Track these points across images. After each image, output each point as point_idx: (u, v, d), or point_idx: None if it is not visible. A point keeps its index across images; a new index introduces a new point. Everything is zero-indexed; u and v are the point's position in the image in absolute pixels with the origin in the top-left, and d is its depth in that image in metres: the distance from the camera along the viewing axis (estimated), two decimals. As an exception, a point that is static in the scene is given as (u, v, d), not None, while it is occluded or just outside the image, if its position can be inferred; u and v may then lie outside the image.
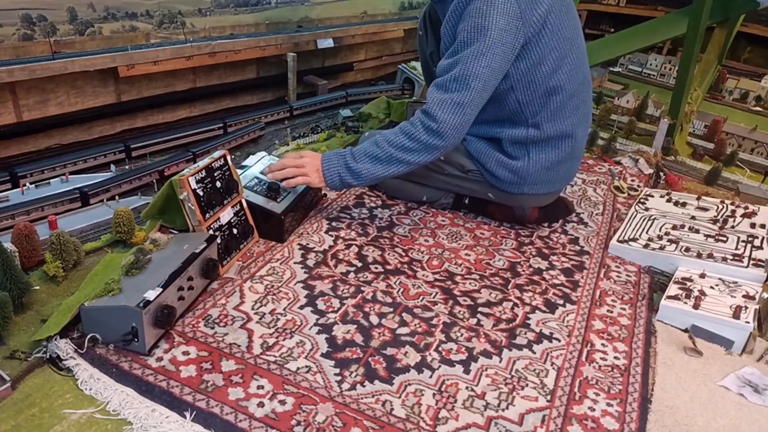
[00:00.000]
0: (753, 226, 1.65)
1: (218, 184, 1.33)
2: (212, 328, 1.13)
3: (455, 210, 1.74)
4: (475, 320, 1.25)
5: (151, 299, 1.02)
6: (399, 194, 1.76)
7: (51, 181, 1.66)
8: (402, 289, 1.33)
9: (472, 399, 1.03)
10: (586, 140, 1.65)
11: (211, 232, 1.28)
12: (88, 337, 1.03)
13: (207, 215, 1.29)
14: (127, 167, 1.95)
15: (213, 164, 1.33)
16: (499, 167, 1.57)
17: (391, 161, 1.44)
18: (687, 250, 1.52)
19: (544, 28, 1.41)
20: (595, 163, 2.23)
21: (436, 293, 1.33)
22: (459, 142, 1.46)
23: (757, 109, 3.23)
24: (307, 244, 1.47)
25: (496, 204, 1.67)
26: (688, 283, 1.39)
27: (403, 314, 1.24)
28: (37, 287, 1.19)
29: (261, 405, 0.96)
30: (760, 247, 1.52)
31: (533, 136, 1.51)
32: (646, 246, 1.56)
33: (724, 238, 1.58)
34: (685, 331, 1.29)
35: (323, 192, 1.72)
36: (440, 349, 1.15)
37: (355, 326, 1.19)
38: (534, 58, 1.43)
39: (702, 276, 1.42)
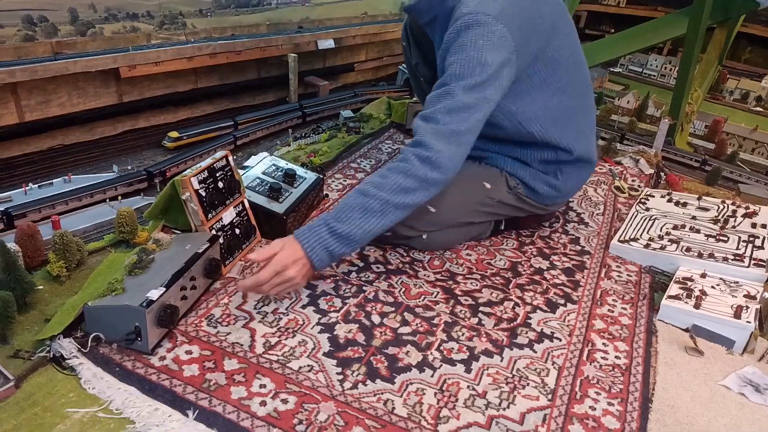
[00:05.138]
0: (754, 226, 1.65)
1: (220, 184, 1.33)
2: (215, 327, 1.14)
3: (493, 236, 1.63)
4: (476, 320, 1.25)
5: (154, 299, 1.02)
6: (441, 247, 1.51)
7: (53, 181, 1.67)
8: (403, 289, 1.33)
9: (473, 398, 1.04)
10: (594, 152, 1.64)
11: (213, 232, 1.29)
12: (92, 336, 1.03)
13: (209, 215, 1.29)
14: (128, 167, 1.96)
15: (215, 165, 1.33)
16: (536, 182, 1.54)
17: (387, 209, 1.21)
18: (688, 250, 1.52)
19: (538, 59, 1.37)
20: (596, 163, 2.23)
21: (438, 293, 1.33)
22: (451, 180, 1.28)
23: (758, 109, 3.23)
24: (309, 244, 1.47)
25: (524, 218, 1.64)
26: (689, 283, 1.39)
27: (405, 314, 1.25)
28: (41, 287, 1.19)
29: (263, 404, 0.97)
30: (761, 247, 1.52)
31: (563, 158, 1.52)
32: (646, 246, 1.56)
33: (725, 238, 1.58)
34: (686, 330, 1.29)
35: (325, 192, 1.72)
36: (442, 348, 1.15)
37: (357, 325, 1.19)
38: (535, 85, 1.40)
39: (703, 276, 1.42)
